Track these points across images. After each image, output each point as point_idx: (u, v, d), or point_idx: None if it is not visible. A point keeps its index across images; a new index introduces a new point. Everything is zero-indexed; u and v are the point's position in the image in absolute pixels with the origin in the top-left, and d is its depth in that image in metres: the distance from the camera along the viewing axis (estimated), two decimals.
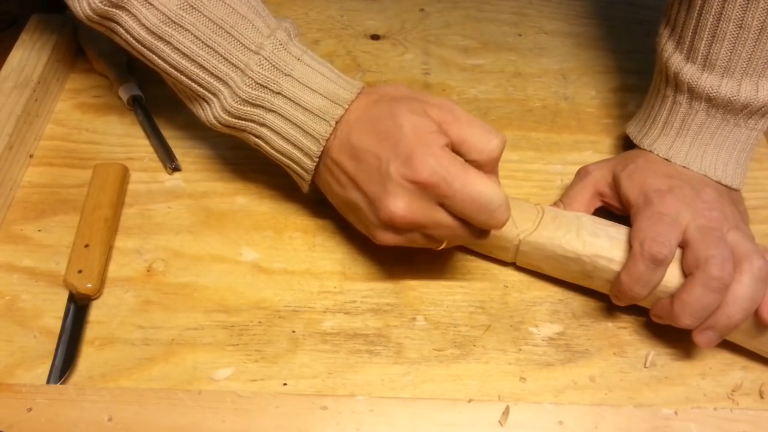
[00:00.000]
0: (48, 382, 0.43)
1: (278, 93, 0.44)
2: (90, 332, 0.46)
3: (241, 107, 0.45)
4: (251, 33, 0.44)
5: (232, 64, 0.44)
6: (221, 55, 0.44)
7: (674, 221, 0.43)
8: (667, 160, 0.49)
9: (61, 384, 0.43)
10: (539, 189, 0.56)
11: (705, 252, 0.41)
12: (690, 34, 0.47)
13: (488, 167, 0.43)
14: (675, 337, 0.46)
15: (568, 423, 0.39)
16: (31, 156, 0.56)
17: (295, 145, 0.45)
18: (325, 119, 0.44)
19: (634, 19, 0.72)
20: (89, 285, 0.47)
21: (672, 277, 0.43)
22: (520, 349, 0.46)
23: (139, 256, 0.50)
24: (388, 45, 0.68)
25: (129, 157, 0.56)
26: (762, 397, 0.44)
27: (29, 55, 0.60)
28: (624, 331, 0.47)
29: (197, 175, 0.56)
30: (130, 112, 0.60)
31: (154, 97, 0.59)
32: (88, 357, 0.45)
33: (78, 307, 0.46)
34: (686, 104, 0.49)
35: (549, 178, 0.57)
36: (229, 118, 0.45)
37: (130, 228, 0.52)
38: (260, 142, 0.46)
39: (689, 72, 0.47)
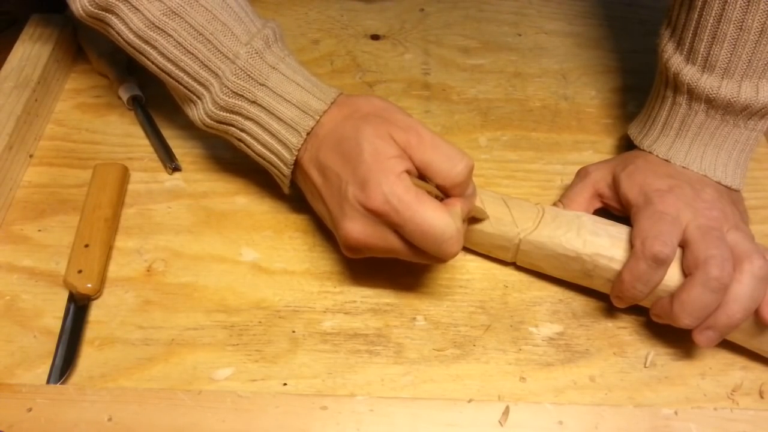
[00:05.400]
0: (48, 382, 0.43)
1: (253, 102, 0.45)
2: (90, 332, 0.46)
3: (221, 112, 0.46)
4: (229, 41, 0.45)
5: (212, 71, 0.45)
6: (202, 62, 0.45)
7: (675, 220, 0.43)
8: (666, 161, 0.49)
9: (61, 384, 0.43)
10: (539, 189, 0.56)
11: (705, 252, 0.41)
12: (690, 35, 0.47)
13: (455, 191, 0.43)
14: (675, 337, 0.46)
15: (568, 423, 0.39)
16: (31, 156, 0.56)
17: (271, 151, 0.46)
18: (297, 130, 0.44)
19: (634, 19, 0.72)
20: (89, 285, 0.47)
21: (672, 276, 0.43)
22: (520, 349, 0.46)
23: (139, 256, 0.50)
24: (388, 45, 0.68)
25: (129, 157, 0.56)
26: (762, 397, 0.44)
27: (29, 55, 0.60)
28: (624, 331, 0.47)
29: (197, 175, 0.56)
30: (130, 112, 0.60)
31: (154, 97, 0.59)
32: (88, 357, 0.45)
33: (78, 307, 0.46)
34: (686, 105, 0.49)
35: (549, 178, 0.57)
36: (211, 121, 0.47)
37: (130, 228, 0.52)
38: (242, 144, 0.48)
39: (689, 73, 0.47)
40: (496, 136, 0.60)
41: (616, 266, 0.45)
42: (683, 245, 0.44)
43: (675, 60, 0.48)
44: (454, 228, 0.41)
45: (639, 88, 0.63)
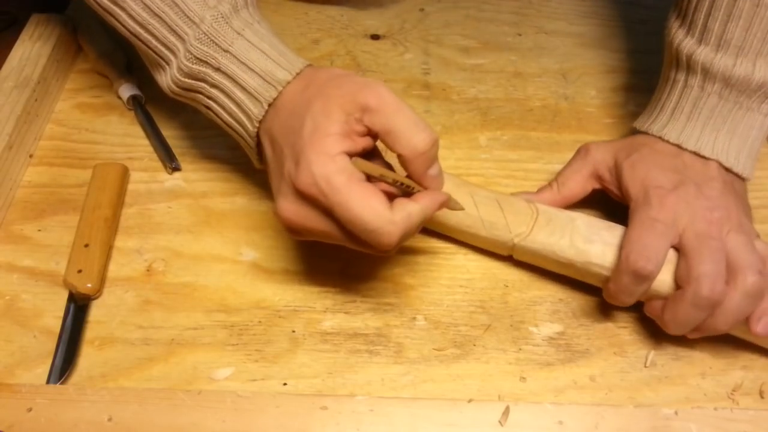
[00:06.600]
0: (48, 382, 0.43)
1: (217, 69, 0.43)
2: (90, 332, 0.46)
3: (186, 79, 0.45)
4: (196, 4, 0.43)
5: (178, 35, 0.44)
6: (168, 25, 0.44)
7: (667, 229, 0.43)
8: (677, 145, 0.47)
9: (61, 384, 0.43)
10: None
11: (697, 268, 0.41)
12: (703, 16, 0.46)
13: (417, 162, 0.39)
14: (675, 337, 0.46)
15: (568, 423, 0.39)
16: (31, 156, 0.56)
17: (237, 121, 0.44)
18: (259, 100, 0.42)
19: (635, 19, 0.72)
20: (89, 285, 0.47)
21: (664, 282, 0.43)
22: (520, 349, 0.46)
23: (139, 256, 0.50)
24: (388, 45, 0.68)
25: (129, 157, 0.56)
26: (762, 397, 0.44)
27: (29, 55, 0.60)
28: (624, 330, 0.47)
29: (197, 175, 0.56)
30: (130, 112, 0.60)
31: (154, 97, 0.59)
32: (88, 357, 0.45)
33: (78, 307, 0.46)
34: (698, 87, 0.47)
35: (549, 177, 0.56)
36: (178, 88, 0.46)
37: (130, 228, 0.52)
38: (210, 113, 0.46)
39: (703, 53, 0.46)
40: (496, 135, 0.60)
41: (607, 274, 0.45)
42: (679, 249, 0.43)
43: (687, 43, 0.47)
44: (385, 219, 0.37)
45: (639, 88, 0.63)
